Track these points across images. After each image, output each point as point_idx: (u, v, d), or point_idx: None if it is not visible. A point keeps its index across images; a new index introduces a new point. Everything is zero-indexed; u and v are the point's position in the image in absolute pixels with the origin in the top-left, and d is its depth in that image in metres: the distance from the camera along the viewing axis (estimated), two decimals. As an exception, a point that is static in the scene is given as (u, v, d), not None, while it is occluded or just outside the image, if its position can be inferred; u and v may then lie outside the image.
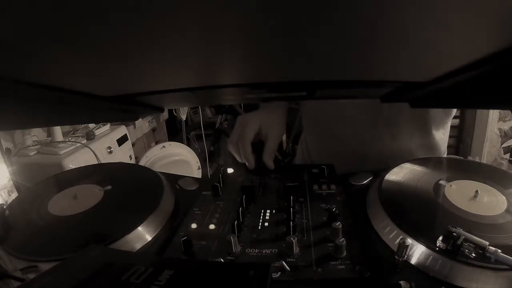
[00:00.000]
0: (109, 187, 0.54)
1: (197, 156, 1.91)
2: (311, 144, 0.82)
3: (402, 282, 0.34)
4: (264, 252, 0.40)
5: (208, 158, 2.19)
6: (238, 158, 0.63)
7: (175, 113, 2.15)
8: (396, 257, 0.36)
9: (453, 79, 0.22)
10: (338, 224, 0.40)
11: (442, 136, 0.75)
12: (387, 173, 0.54)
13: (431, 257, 0.36)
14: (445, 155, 0.79)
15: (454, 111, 0.79)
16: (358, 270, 0.36)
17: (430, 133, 0.71)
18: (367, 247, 0.41)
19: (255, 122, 0.63)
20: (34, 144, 1.22)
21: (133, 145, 1.64)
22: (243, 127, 0.62)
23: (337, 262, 0.37)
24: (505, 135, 2.17)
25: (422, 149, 0.72)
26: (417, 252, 0.37)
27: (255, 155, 0.63)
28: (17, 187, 0.90)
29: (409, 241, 0.36)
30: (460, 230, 0.36)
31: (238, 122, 0.64)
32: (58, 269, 0.29)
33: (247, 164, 0.61)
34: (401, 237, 0.39)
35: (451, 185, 0.49)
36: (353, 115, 0.69)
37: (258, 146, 0.63)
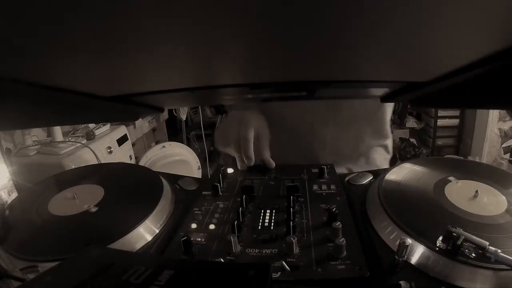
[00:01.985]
0: (95, 209, 0.50)
1: (197, 156, 1.91)
2: None
3: (402, 282, 0.34)
4: (264, 252, 0.40)
5: (208, 158, 2.19)
6: (238, 157, 0.62)
7: (175, 113, 2.15)
8: (396, 257, 0.36)
9: (453, 79, 0.22)
10: (338, 224, 0.40)
11: (388, 119, 0.76)
12: (387, 173, 0.54)
13: (431, 257, 0.36)
14: (391, 138, 0.80)
15: None
16: (358, 270, 0.36)
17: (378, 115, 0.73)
18: (367, 247, 0.41)
19: (254, 120, 0.62)
20: (34, 144, 1.22)
21: (133, 145, 1.64)
22: (244, 125, 0.61)
23: (337, 262, 0.37)
24: (505, 135, 2.17)
25: (371, 130, 0.74)
26: (417, 252, 0.37)
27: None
28: (17, 187, 0.89)
29: (409, 241, 0.36)
30: (460, 230, 0.36)
31: (234, 120, 0.63)
32: (58, 269, 0.29)
33: (246, 161, 0.60)
34: (401, 237, 0.39)
35: (457, 182, 0.50)
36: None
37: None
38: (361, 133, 0.73)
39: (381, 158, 0.78)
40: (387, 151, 0.80)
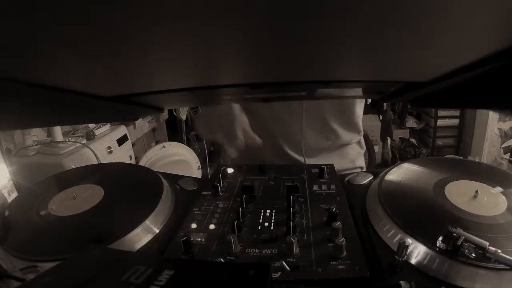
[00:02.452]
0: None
1: (197, 156, 1.91)
2: None
3: (402, 282, 0.34)
4: (264, 252, 0.40)
5: (208, 158, 2.19)
6: (227, 143, 0.62)
7: (175, 113, 2.15)
8: (396, 257, 0.36)
9: (453, 79, 0.22)
10: (338, 224, 0.40)
11: (360, 112, 0.77)
12: (387, 173, 0.54)
13: (431, 257, 0.36)
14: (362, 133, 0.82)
15: None
16: (358, 270, 0.36)
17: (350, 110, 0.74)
18: (367, 247, 0.41)
19: (241, 111, 0.63)
20: (34, 144, 1.22)
21: (133, 145, 1.64)
22: (238, 118, 0.62)
23: (337, 262, 0.37)
24: (505, 135, 2.17)
25: (345, 126, 0.75)
26: (417, 252, 0.37)
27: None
28: (17, 187, 0.89)
29: (409, 241, 0.36)
30: (460, 230, 0.36)
31: (235, 115, 0.63)
32: (58, 269, 0.29)
33: (237, 142, 0.61)
34: (401, 237, 0.39)
35: (500, 191, 0.48)
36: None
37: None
38: (335, 128, 0.74)
39: (355, 153, 0.80)
40: (361, 146, 0.82)
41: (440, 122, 2.55)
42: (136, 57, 0.17)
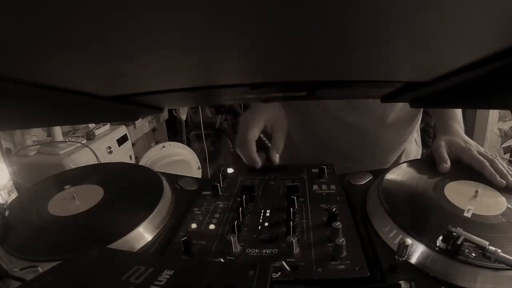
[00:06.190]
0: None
1: (197, 156, 1.91)
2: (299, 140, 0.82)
3: (402, 282, 0.34)
4: (264, 252, 0.40)
5: (208, 158, 2.19)
6: (244, 159, 0.62)
7: (175, 113, 2.15)
8: (396, 257, 0.36)
9: (454, 79, 0.22)
10: (338, 224, 0.40)
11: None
12: (387, 173, 0.54)
13: (431, 257, 0.36)
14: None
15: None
16: (358, 270, 0.36)
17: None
18: (367, 247, 0.41)
19: (259, 119, 0.62)
20: (34, 144, 1.22)
21: (133, 145, 1.64)
22: (244, 127, 0.61)
23: (337, 262, 0.37)
24: (505, 135, 2.17)
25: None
26: (417, 252, 0.37)
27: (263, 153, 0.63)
28: (17, 187, 0.89)
29: (409, 241, 0.36)
30: (460, 230, 0.36)
31: (241, 123, 0.63)
32: (58, 269, 0.29)
33: (251, 163, 0.60)
34: (401, 237, 0.39)
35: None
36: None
37: (259, 144, 0.63)
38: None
39: (413, 150, 0.86)
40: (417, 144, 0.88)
41: (440, 122, 2.54)
42: (136, 57, 0.17)
